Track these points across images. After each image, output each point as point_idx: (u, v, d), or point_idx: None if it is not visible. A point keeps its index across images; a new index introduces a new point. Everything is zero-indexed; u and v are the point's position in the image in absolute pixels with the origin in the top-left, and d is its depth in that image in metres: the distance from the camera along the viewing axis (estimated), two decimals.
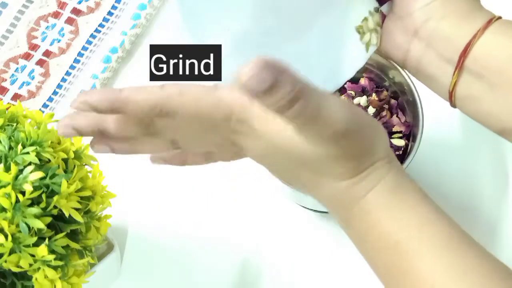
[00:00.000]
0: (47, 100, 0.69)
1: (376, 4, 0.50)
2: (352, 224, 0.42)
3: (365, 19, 0.49)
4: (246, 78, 0.34)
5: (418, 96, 0.61)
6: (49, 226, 0.43)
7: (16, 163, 0.42)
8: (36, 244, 0.42)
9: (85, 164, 0.48)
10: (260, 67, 0.34)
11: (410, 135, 0.63)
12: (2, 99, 0.69)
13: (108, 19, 0.73)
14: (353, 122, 0.39)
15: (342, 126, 0.38)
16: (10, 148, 0.43)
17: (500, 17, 0.47)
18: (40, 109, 0.68)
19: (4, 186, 0.41)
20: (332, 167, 0.40)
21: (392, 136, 0.63)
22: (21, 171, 0.42)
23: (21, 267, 0.42)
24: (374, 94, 0.65)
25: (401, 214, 0.41)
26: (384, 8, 0.50)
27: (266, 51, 0.45)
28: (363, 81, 0.65)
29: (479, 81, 0.46)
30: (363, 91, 0.65)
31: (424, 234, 0.41)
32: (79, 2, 0.74)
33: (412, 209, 0.41)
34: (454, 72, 0.47)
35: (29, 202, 0.42)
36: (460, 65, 0.46)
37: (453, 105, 0.49)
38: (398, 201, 0.41)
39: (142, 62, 0.71)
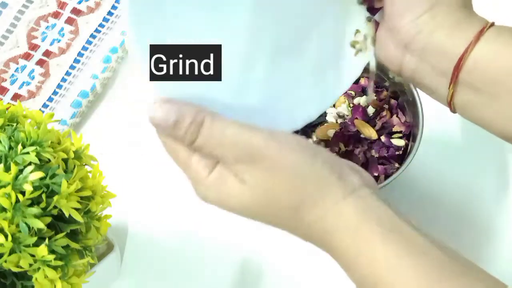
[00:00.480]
0: (47, 100, 0.69)
1: (368, 14, 0.49)
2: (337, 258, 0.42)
3: (357, 31, 0.49)
4: (153, 118, 0.39)
5: (418, 96, 0.61)
6: (49, 226, 0.43)
7: (16, 163, 0.42)
8: (36, 244, 0.42)
9: (85, 164, 0.48)
10: (163, 106, 0.39)
11: (410, 135, 0.63)
12: (2, 99, 0.69)
13: (108, 19, 0.73)
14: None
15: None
16: (10, 148, 0.43)
17: (492, 24, 0.45)
18: (40, 109, 0.68)
19: (4, 186, 0.41)
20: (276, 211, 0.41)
21: (392, 136, 0.63)
22: (21, 171, 0.42)
23: (21, 267, 0.42)
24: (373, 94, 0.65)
25: (367, 259, 0.39)
26: (377, 17, 0.49)
27: (262, 69, 0.45)
28: (363, 81, 0.65)
29: (477, 92, 0.45)
30: (363, 91, 0.65)
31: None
32: (79, 2, 0.74)
33: (378, 251, 0.39)
34: (450, 85, 0.45)
35: (29, 202, 0.42)
36: (455, 79, 0.45)
37: (453, 111, 0.48)
38: (363, 243, 0.40)
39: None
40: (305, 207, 0.40)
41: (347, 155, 0.62)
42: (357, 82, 0.66)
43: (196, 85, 0.41)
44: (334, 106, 0.65)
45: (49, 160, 0.44)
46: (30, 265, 0.42)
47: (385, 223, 0.39)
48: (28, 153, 0.42)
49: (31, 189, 0.41)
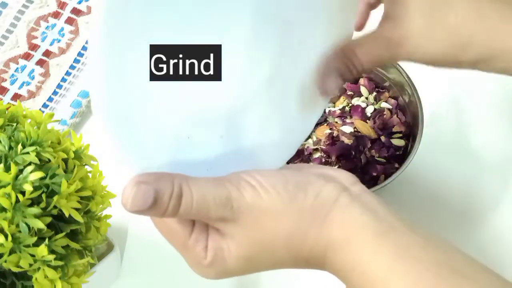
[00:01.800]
0: (47, 100, 0.69)
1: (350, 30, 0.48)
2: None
3: None
4: (129, 204, 0.37)
5: (418, 96, 0.61)
6: (49, 226, 0.43)
7: (16, 163, 0.42)
8: (36, 244, 0.42)
9: (85, 164, 0.48)
10: (139, 189, 0.37)
11: (410, 135, 0.63)
12: (2, 99, 0.69)
13: None
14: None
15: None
16: (10, 148, 0.43)
17: None
18: (40, 109, 0.68)
19: (4, 186, 0.41)
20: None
21: (392, 136, 0.63)
22: (21, 171, 0.42)
23: (21, 267, 0.42)
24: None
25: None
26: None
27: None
28: (362, 81, 0.65)
29: None
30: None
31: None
32: (79, 2, 0.74)
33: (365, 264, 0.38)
34: None
35: (29, 202, 0.42)
36: None
37: None
38: (352, 257, 0.39)
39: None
40: (296, 241, 0.40)
41: (346, 157, 0.62)
42: (356, 82, 0.66)
43: (165, 151, 0.40)
44: (334, 105, 0.66)
45: (49, 160, 0.44)
46: (30, 265, 0.42)
47: (370, 229, 0.38)
48: (28, 153, 0.42)
49: (31, 189, 0.41)
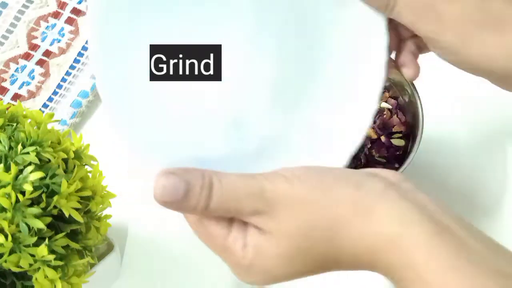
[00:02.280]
0: (47, 100, 0.69)
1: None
2: None
3: None
4: (159, 195, 0.36)
5: (418, 96, 0.61)
6: (49, 226, 0.42)
7: (16, 163, 0.42)
8: (36, 244, 0.42)
9: (85, 164, 0.48)
10: (168, 180, 0.36)
11: (410, 135, 0.63)
12: (2, 99, 0.69)
13: None
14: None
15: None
16: (10, 148, 0.43)
17: None
18: (40, 109, 0.68)
19: (4, 186, 0.41)
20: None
21: (392, 136, 0.63)
22: (21, 171, 0.42)
23: (21, 267, 0.42)
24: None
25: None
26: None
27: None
28: None
29: None
30: None
31: None
32: (79, 2, 0.74)
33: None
34: None
35: (29, 202, 0.42)
36: None
37: None
38: (406, 257, 0.35)
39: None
40: (340, 233, 0.36)
41: None
42: None
43: (186, 145, 0.40)
44: None
45: (49, 160, 0.44)
46: (30, 265, 0.42)
47: (424, 228, 0.35)
48: (28, 153, 0.42)
49: (31, 189, 0.41)
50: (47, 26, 0.73)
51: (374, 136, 0.63)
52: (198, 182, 0.37)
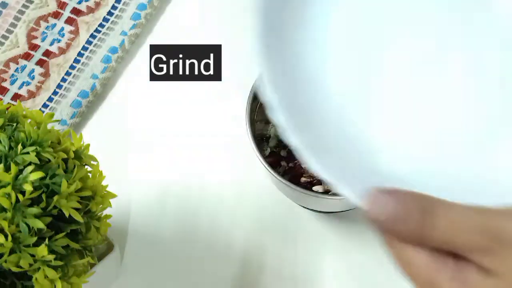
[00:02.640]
0: (47, 100, 0.69)
1: None
2: None
3: None
4: (379, 215, 0.33)
5: None
6: (49, 226, 0.43)
7: (16, 163, 0.42)
8: (36, 244, 0.42)
9: (85, 164, 0.48)
10: (381, 195, 0.33)
11: None
12: (2, 99, 0.69)
13: (108, 19, 0.73)
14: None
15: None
16: (10, 148, 0.43)
17: None
18: (40, 109, 0.68)
19: (4, 186, 0.41)
20: None
21: None
22: (21, 171, 0.42)
23: (21, 267, 0.42)
24: None
25: None
26: None
27: None
28: None
29: None
30: None
31: None
32: (79, 2, 0.74)
33: None
34: None
35: (29, 202, 0.42)
36: None
37: None
38: None
39: (142, 62, 0.71)
40: None
41: None
42: None
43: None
44: None
45: (49, 160, 0.44)
46: (30, 265, 0.42)
47: None
48: (28, 153, 0.42)
49: (31, 189, 0.41)
50: (47, 26, 0.73)
51: None
52: (414, 205, 0.33)
